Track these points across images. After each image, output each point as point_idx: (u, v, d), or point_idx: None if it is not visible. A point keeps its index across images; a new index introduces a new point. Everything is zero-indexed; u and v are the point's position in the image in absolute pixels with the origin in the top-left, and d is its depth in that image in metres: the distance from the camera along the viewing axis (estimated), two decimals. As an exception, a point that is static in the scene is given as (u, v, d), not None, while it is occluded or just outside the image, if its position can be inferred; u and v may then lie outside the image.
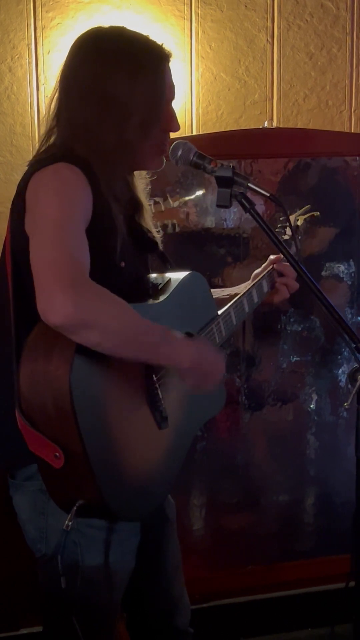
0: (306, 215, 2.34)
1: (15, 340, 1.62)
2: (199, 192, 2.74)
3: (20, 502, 1.80)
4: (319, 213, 2.36)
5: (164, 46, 1.78)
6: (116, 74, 1.70)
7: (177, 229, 2.73)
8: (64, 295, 1.46)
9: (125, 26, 1.80)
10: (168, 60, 1.77)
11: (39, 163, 1.68)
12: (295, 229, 2.30)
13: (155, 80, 1.74)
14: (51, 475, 1.60)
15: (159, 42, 1.78)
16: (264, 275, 2.17)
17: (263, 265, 2.21)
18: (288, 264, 1.98)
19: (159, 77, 1.75)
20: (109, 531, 1.75)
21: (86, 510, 1.60)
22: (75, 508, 1.59)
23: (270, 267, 2.19)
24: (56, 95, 1.78)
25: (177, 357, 1.65)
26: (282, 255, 2.09)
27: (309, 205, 2.36)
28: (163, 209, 2.68)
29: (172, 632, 2.07)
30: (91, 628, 1.79)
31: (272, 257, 2.20)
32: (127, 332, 1.56)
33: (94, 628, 1.80)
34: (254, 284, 2.13)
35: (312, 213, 2.35)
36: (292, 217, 2.31)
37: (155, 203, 2.64)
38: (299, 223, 2.32)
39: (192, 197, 2.74)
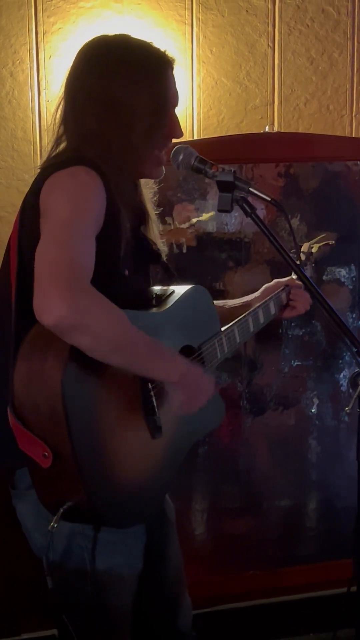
0: (321, 244, 2.38)
1: (15, 338, 1.63)
2: (209, 214, 2.75)
3: (24, 511, 1.79)
4: (334, 242, 2.40)
5: (167, 52, 1.79)
6: (120, 79, 1.71)
7: (184, 250, 2.74)
8: (60, 297, 1.46)
9: (129, 33, 1.81)
10: (171, 66, 1.79)
11: (54, 166, 1.68)
12: (309, 255, 2.33)
13: (158, 85, 1.75)
14: (39, 475, 1.60)
15: (162, 49, 1.79)
16: (272, 297, 2.19)
17: (276, 281, 2.24)
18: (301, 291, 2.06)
19: (162, 83, 1.76)
20: (115, 534, 1.74)
21: (74, 513, 1.60)
22: (62, 510, 1.59)
23: (280, 289, 2.21)
24: (62, 102, 1.78)
25: (167, 371, 1.65)
26: (297, 282, 2.13)
27: (324, 235, 2.39)
28: (172, 227, 2.70)
29: (175, 634, 2.07)
30: (105, 632, 1.79)
31: (290, 279, 2.23)
32: (118, 341, 1.55)
33: (108, 632, 1.80)
34: (260, 305, 2.15)
35: (327, 242, 2.39)
36: (306, 245, 2.35)
37: (165, 223, 2.66)
38: (313, 250, 2.36)
39: (202, 218, 2.75)
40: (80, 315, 1.48)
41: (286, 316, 2.27)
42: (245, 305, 2.18)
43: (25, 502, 1.77)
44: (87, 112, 1.72)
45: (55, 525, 1.60)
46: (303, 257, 2.31)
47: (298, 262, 2.20)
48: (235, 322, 2.05)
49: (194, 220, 2.74)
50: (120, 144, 1.71)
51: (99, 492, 1.61)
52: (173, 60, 1.79)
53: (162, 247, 1.95)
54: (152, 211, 1.92)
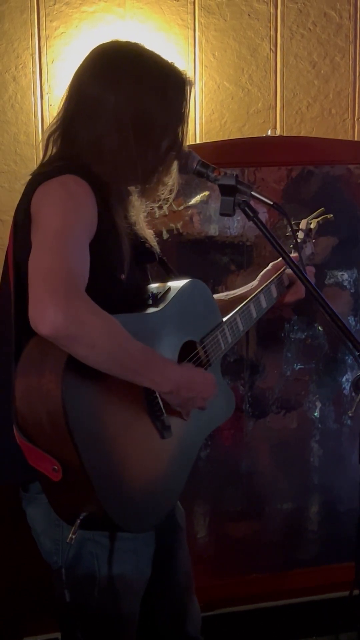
0: (319, 218, 2.34)
1: (15, 353, 1.62)
2: (203, 194, 2.73)
3: (35, 514, 1.79)
4: (332, 215, 2.36)
5: (185, 72, 1.77)
6: (147, 98, 1.70)
7: (182, 231, 2.73)
8: (55, 306, 1.46)
9: (142, 43, 1.77)
10: (189, 87, 1.77)
11: (44, 175, 1.67)
12: (308, 232, 2.30)
13: (177, 104, 1.74)
14: (52, 488, 1.60)
15: (182, 69, 1.77)
16: (273, 280, 2.16)
17: (272, 265, 2.20)
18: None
19: (181, 102, 1.75)
20: (126, 541, 1.74)
21: (90, 523, 1.60)
22: (78, 521, 1.58)
23: (281, 271, 2.19)
24: (65, 105, 1.76)
25: (159, 380, 1.64)
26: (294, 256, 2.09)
27: (322, 209, 2.36)
28: (167, 212, 2.68)
29: (183, 639, 2.07)
30: (111, 638, 1.79)
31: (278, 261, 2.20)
32: (113, 350, 1.55)
33: (114, 638, 1.80)
34: (262, 289, 2.12)
35: (325, 215, 2.35)
36: (304, 222, 2.32)
37: (159, 207, 2.65)
38: (312, 226, 2.32)
39: (197, 199, 2.74)
40: (76, 324, 1.48)
41: (289, 300, 2.22)
42: (247, 295, 2.16)
43: (36, 505, 1.77)
44: (98, 121, 1.70)
45: (74, 537, 1.60)
46: (302, 235, 2.27)
47: (300, 240, 2.20)
48: (237, 311, 2.03)
49: (189, 202, 2.73)
50: (131, 159, 1.69)
51: (112, 500, 1.60)
52: (192, 82, 1.78)
53: (154, 242, 1.91)
54: (139, 205, 1.89)
